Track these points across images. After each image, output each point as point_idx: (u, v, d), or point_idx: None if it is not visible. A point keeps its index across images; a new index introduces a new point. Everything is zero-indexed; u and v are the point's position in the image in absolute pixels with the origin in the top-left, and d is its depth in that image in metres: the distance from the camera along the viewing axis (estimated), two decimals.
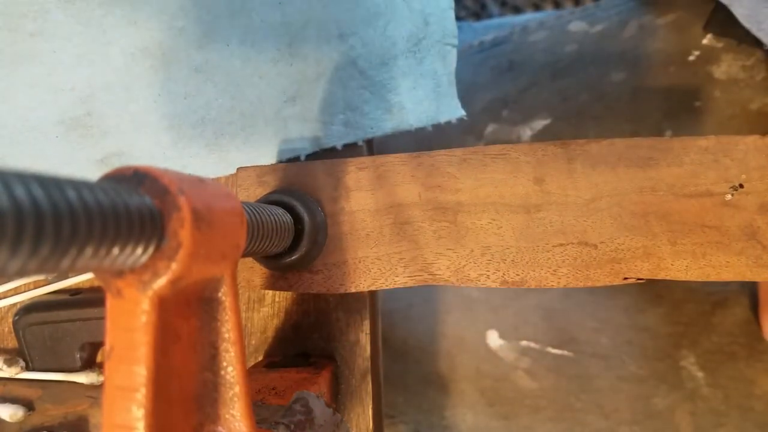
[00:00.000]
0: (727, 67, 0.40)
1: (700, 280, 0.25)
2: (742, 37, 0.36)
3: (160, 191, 0.14)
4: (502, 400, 0.46)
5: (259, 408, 0.23)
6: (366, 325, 0.31)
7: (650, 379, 0.42)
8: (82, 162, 0.33)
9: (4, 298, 0.34)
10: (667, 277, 0.25)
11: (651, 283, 0.28)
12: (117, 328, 0.15)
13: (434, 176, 0.27)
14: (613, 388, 0.43)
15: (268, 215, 0.23)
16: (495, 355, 0.46)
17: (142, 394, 0.14)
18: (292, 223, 0.26)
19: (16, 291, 0.34)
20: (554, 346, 0.45)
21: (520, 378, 0.45)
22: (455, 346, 0.47)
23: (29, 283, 0.34)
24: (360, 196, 0.28)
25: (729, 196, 0.25)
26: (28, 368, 0.32)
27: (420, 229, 0.27)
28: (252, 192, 0.29)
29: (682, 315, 0.41)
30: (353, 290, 0.28)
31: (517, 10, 1.06)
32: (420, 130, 0.32)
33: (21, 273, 0.10)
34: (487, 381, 0.46)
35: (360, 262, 0.28)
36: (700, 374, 0.41)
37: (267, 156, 0.33)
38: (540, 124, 0.47)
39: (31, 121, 0.33)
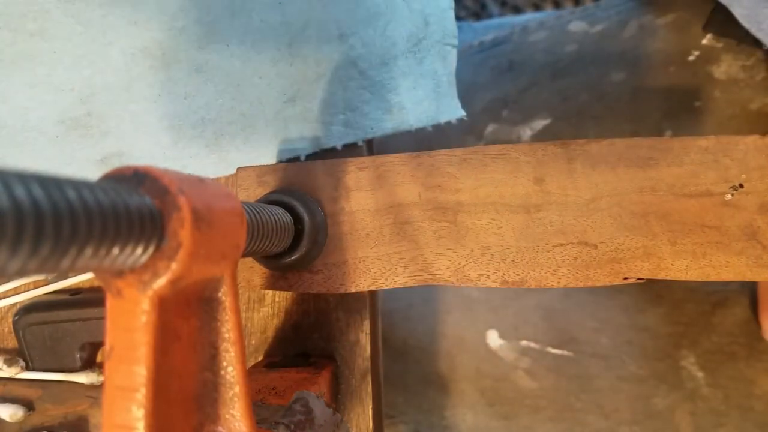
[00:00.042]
0: (727, 67, 0.40)
1: (700, 280, 0.25)
2: (742, 37, 0.36)
3: (160, 191, 0.14)
4: (502, 400, 0.46)
5: (259, 408, 0.23)
6: (366, 325, 0.31)
7: (650, 379, 0.42)
8: (82, 162, 0.33)
9: (4, 298, 0.34)
10: (667, 277, 0.25)
11: (651, 283, 0.28)
12: (117, 328, 0.15)
13: (434, 176, 0.27)
14: (613, 388, 0.43)
15: (268, 215, 0.23)
16: (495, 355, 0.46)
17: (142, 394, 0.14)
18: (292, 223, 0.26)
19: (16, 291, 0.34)
20: (554, 346, 0.45)
21: (520, 378, 0.45)
22: (455, 346, 0.47)
23: (29, 283, 0.34)
24: (360, 196, 0.28)
25: (729, 196, 0.25)
26: (28, 368, 0.32)
27: (420, 229, 0.27)
28: (252, 192, 0.29)
29: (682, 315, 0.41)
30: (353, 290, 0.28)
31: (517, 10, 1.06)
32: (420, 130, 0.32)
33: (21, 273, 0.10)
34: (487, 381, 0.46)
35: (360, 262, 0.28)
36: (700, 374, 0.41)
37: (267, 156, 0.33)
38: (540, 124, 0.47)
39: (31, 121, 0.33)
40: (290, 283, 0.28)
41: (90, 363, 0.32)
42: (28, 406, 0.31)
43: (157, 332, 0.15)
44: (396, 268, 0.27)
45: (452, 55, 0.32)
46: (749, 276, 0.24)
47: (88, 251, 0.11)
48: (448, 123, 0.32)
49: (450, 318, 0.48)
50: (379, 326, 0.33)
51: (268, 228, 0.23)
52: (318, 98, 0.32)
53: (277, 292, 0.32)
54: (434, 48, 0.32)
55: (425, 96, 0.32)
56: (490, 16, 1.07)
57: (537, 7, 1.05)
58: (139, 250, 0.13)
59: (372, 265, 0.27)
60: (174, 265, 0.14)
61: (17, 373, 0.31)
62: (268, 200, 0.27)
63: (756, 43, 0.35)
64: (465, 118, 0.32)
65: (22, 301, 0.33)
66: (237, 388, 0.17)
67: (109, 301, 0.15)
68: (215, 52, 0.33)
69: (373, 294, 0.32)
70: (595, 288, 0.32)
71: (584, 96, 0.45)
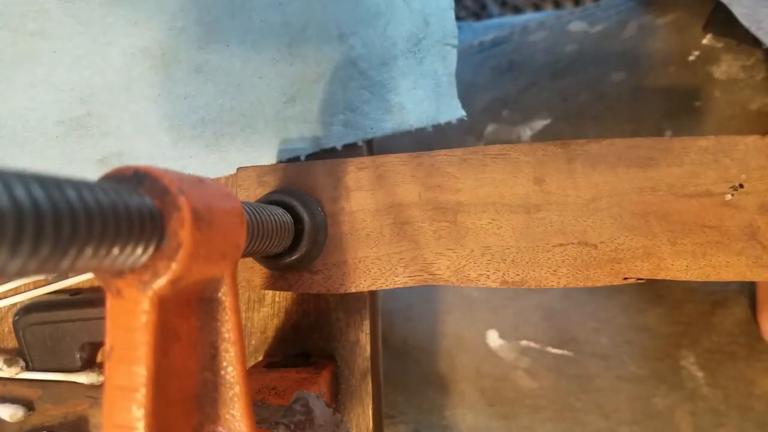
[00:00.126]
0: (727, 67, 0.40)
1: (700, 280, 0.25)
2: (742, 37, 0.36)
3: (160, 191, 0.14)
4: (502, 400, 0.46)
5: (259, 408, 0.23)
6: (366, 325, 0.31)
7: (650, 379, 0.42)
8: (82, 162, 0.33)
9: (4, 298, 0.34)
10: (667, 277, 0.25)
11: (651, 283, 0.28)
12: (117, 328, 0.15)
13: (434, 176, 0.27)
14: (613, 388, 0.43)
15: (268, 215, 0.23)
16: (495, 354, 0.46)
17: (142, 394, 0.14)
18: (292, 223, 0.26)
19: (16, 291, 0.34)
20: (554, 346, 0.45)
21: (520, 378, 0.45)
22: (455, 346, 0.47)
23: (29, 283, 0.34)
24: (360, 196, 0.28)
25: (729, 196, 0.25)
26: (28, 368, 0.32)
27: (420, 229, 0.27)
28: (252, 192, 0.29)
29: (682, 315, 0.41)
30: (353, 290, 0.28)
31: (517, 10, 1.06)
32: (420, 131, 0.32)
33: (21, 273, 0.10)
34: (487, 381, 0.46)
35: (360, 262, 0.28)
36: (700, 374, 0.41)
37: (267, 156, 0.33)
38: (540, 124, 0.47)
39: (31, 121, 0.33)
40: (290, 283, 0.28)
41: (90, 363, 0.32)
42: (28, 406, 0.31)
43: (157, 332, 0.15)
44: (396, 268, 0.27)
45: (452, 55, 0.32)
46: (749, 276, 0.24)
47: (88, 251, 0.11)
48: (448, 123, 0.32)
49: (450, 318, 0.48)
50: (379, 326, 0.33)
51: (268, 228, 0.23)
52: (318, 98, 0.32)
53: (277, 292, 0.32)
54: (434, 48, 0.32)
55: (425, 96, 0.32)
56: (490, 16, 1.07)
57: (537, 7, 1.05)
58: (139, 250, 0.13)
59: (372, 265, 0.27)
60: (174, 265, 0.14)
61: (17, 373, 0.31)
62: (268, 200, 0.27)
63: (756, 42, 0.35)
64: (465, 118, 0.32)
65: (22, 301, 0.33)
66: (237, 388, 0.17)
67: (109, 301, 0.15)
68: (215, 52, 0.33)
69: (373, 294, 0.32)
70: (595, 288, 0.32)
71: (584, 96, 0.45)
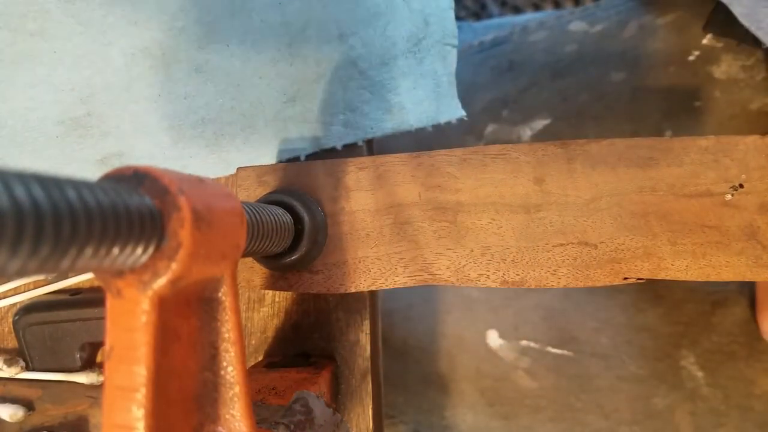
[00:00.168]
0: (727, 67, 0.40)
1: (700, 280, 0.25)
2: (742, 37, 0.36)
3: (160, 191, 0.14)
4: (502, 400, 0.46)
5: (259, 408, 0.23)
6: (366, 325, 0.31)
7: (650, 379, 0.42)
8: (82, 162, 0.33)
9: (4, 298, 0.34)
10: (667, 277, 0.25)
11: (651, 283, 0.28)
12: (117, 328, 0.15)
13: (434, 176, 0.27)
14: (613, 388, 0.43)
15: (268, 215, 0.23)
16: (495, 354, 0.46)
17: (142, 394, 0.14)
18: (292, 223, 0.26)
19: (16, 291, 0.34)
20: (554, 346, 0.45)
21: (520, 378, 0.45)
22: (455, 346, 0.47)
23: (29, 283, 0.34)
24: (360, 196, 0.28)
25: (729, 196, 0.25)
26: (28, 368, 0.32)
27: (420, 229, 0.27)
28: (252, 192, 0.29)
29: (682, 315, 0.41)
30: (353, 290, 0.28)
31: (517, 10, 1.06)
32: (420, 131, 0.32)
33: (21, 273, 0.10)
34: (487, 381, 0.46)
35: (360, 262, 0.28)
36: (700, 374, 0.41)
37: (267, 156, 0.33)
38: (540, 124, 0.47)
39: (31, 121, 0.33)
40: (290, 283, 0.28)
41: (90, 363, 0.32)
42: (28, 406, 0.31)
43: (157, 332, 0.15)
44: (396, 268, 0.27)
45: (452, 55, 0.32)
46: (749, 276, 0.24)
47: (88, 251, 0.11)
48: (448, 123, 0.32)
49: (450, 318, 0.48)
50: (379, 326, 0.33)
51: (268, 228, 0.23)
52: (318, 98, 0.32)
53: (277, 292, 0.32)
54: (434, 48, 0.32)
55: (425, 96, 0.32)
56: (490, 16, 1.07)
57: (537, 7, 1.05)
58: (139, 250, 0.13)
59: (372, 265, 0.27)
60: (174, 265, 0.14)
61: (17, 373, 0.31)
62: (268, 200, 0.27)
63: (756, 42, 0.35)
64: (465, 118, 0.32)
65: (22, 301, 0.33)
66: (237, 388, 0.17)
67: (109, 301, 0.15)
68: (215, 52, 0.33)
69: (373, 294, 0.32)
70: (594, 288, 0.32)
71: (584, 96, 0.45)
